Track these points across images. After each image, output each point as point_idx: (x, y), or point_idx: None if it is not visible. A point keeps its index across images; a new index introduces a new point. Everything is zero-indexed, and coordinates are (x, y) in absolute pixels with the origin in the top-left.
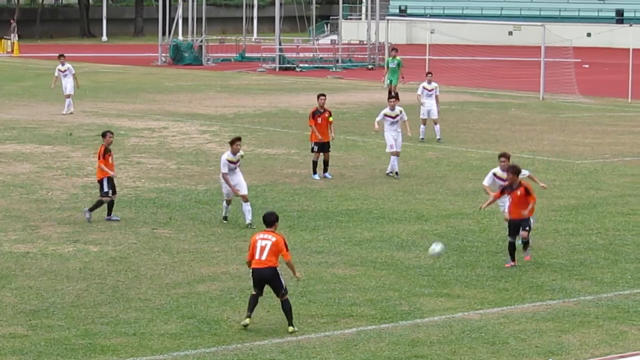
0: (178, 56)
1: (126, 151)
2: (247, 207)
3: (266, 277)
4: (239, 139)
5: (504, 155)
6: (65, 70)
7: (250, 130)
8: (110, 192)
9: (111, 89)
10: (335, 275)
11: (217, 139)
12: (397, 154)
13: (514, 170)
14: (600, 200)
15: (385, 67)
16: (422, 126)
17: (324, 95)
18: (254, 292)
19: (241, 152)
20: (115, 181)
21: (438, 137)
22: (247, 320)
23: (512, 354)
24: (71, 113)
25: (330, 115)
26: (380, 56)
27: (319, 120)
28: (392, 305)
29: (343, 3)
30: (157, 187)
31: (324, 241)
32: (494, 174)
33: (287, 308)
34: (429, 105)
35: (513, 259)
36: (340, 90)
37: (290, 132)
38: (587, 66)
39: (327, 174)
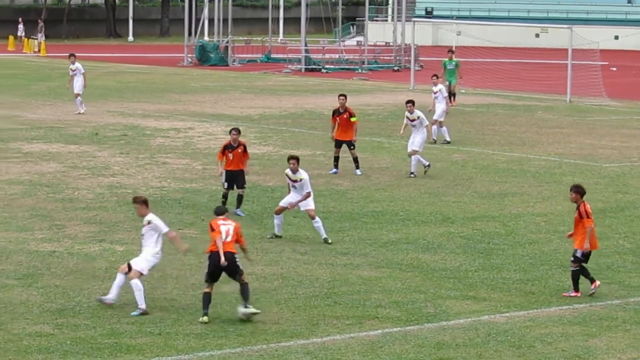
0: (204, 57)
1: (152, 151)
2: (316, 224)
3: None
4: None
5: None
6: (75, 70)
7: (276, 132)
8: (226, 184)
9: (137, 89)
10: (361, 277)
11: (243, 140)
12: (413, 153)
13: (577, 190)
14: (627, 204)
15: (443, 68)
16: (433, 127)
17: (344, 95)
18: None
19: (302, 174)
20: (141, 181)
21: (433, 137)
22: None
23: (538, 357)
24: (81, 113)
25: (351, 116)
26: (407, 58)
27: (338, 119)
28: (418, 307)
29: (369, 4)
30: (183, 187)
31: (349, 243)
32: None
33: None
34: (436, 108)
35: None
36: (365, 92)
37: (315, 133)
38: (614, 69)
39: (357, 171)
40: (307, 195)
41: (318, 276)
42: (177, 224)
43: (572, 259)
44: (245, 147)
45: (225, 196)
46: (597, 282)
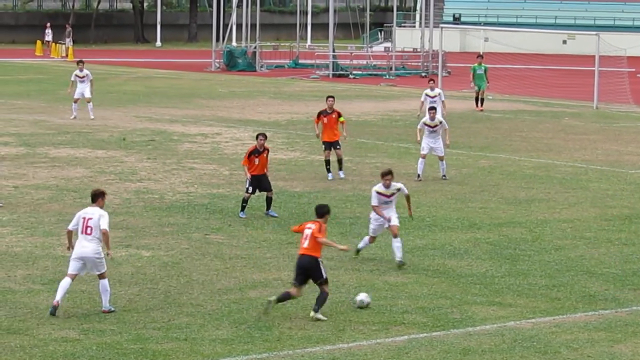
0: (232, 62)
1: (179, 157)
2: (397, 244)
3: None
4: (388, 172)
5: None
6: (83, 77)
7: (303, 137)
8: (251, 189)
9: (164, 95)
10: (387, 282)
11: (270, 145)
12: (441, 158)
13: None
14: None
15: (472, 73)
16: None
17: (332, 97)
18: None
19: (398, 185)
20: (168, 186)
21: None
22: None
23: None
24: (92, 119)
25: (339, 115)
26: (434, 64)
27: (325, 120)
28: (444, 313)
29: (397, 11)
30: (210, 192)
31: (376, 248)
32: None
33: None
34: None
35: None
36: (393, 98)
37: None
38: None
39: (340, 173)
40: (408, 199)
41: (344, 282)
42: (204, 229)
43: None
44: (268, 152)
45: (246, 200)
46: None
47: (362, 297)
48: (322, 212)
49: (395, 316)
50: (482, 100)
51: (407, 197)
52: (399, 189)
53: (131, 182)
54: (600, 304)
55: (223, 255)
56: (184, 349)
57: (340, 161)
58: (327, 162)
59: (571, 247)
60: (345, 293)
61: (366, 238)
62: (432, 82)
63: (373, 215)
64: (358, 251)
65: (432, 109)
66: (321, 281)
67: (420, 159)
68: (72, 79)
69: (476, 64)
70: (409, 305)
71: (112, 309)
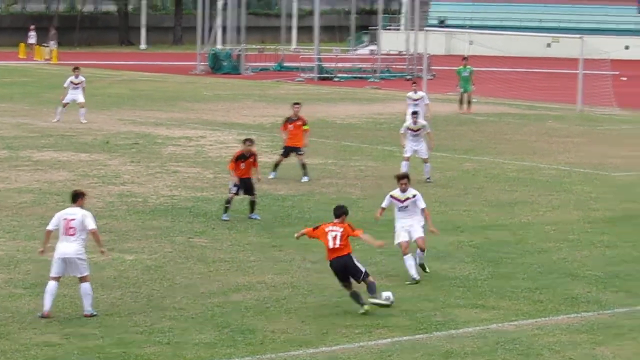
0: (217, 65)
1: (163, 160)
2: (409, 262)
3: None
4: None
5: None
6: (78, 84)
7: None
8: (235, 189)
9: (149, 98)
10: None
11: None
12: (425, 160)
13: None
14: (636, 213)
15: (457, 75)
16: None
17: (299, 104)
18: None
19: (413, 191)
20: (151, 189)
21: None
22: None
23: None
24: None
25: (304, 123)
26: (419, 67)
27: (291, 127)
28: (427, 316)
29: (383, 13)
30: (194, 196)
31: (360, 252)
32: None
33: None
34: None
35: None
36: (378, 101)
37: (327, 142)
38: (625, 79)
39: (304, 178)
40: (426, 215)
41: (328, 285)
42: (187, 232)
43: None
44: (255, 157)
45: (229, 202)
46: None
47: (389, 294)
48: (339, 213)
49: (378, 319)
50: (469, 102)
51: (423, 210)
52: (414, 195)
53: (114, 186)
54: (582, 307)
55: (206, 258)
56: (166, 353)
57: (304, 166)
58: (278, 164)
59: (554, 250)
60: (328, 297)
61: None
62: (415, 84)
63: (397, 225)
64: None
65: (415, 113)
66: (363, 277)
67: (404, 162)
68: (66, 85)
69: (461, 67)
70: (392, 308)
71: (94, 312)
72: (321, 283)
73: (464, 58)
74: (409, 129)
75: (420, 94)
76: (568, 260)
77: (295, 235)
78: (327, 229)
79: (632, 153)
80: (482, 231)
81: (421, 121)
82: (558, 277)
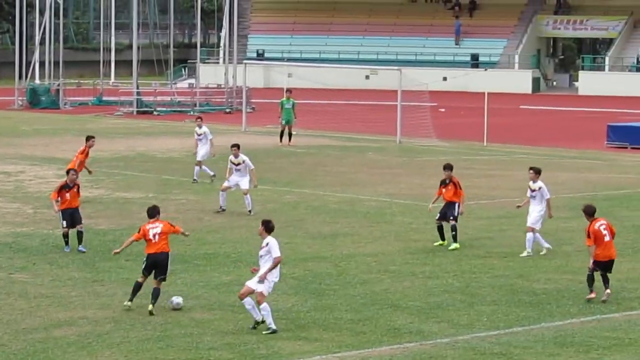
0: (35, 100)
1: None
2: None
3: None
4: None
5: None
6: (200, 135)
7: (108, 174)
8: (65, 222)
9: None
10: (193, 319)
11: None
12: (245, 192)
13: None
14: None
15: (280, 107)
16: (195, 167)
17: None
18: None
19: (243, 157)
20: None
21: (195, 177)
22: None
23: None
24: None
25: (78, 189)
26: (238, 100)
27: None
28: (250, 348)
29: (201, 47)
30: (14, 231)
31: (181, 285)
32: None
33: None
34: (200, 149)
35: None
36: None
37: (148, 175)
38: (443, 110)
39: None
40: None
41: (150, 319)
42: (8, 268)
43: None
44: (79, 187)
45: (66, 235)
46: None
47: (179, 299)
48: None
49: (201, 352)
50: (290, 135)
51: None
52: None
53: None
54: (405, 337)
55: (28, 294)
56: None
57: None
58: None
59: (376, 281)
60: (151, 330)
61: None
62: (199, 119)
63: None
64: None
65: (235, 145)
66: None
67: (221, 192)
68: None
69: (284, 98)
70: (215, 341)
71: None
72: (143, 317)
73: (288, 90)
74: (231, 162)
75: (204, 128)
76: (390, 291)
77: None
78: (147, 227)
79: None
80: (303, 263)
81: (242, 156)
82: (380, 308)
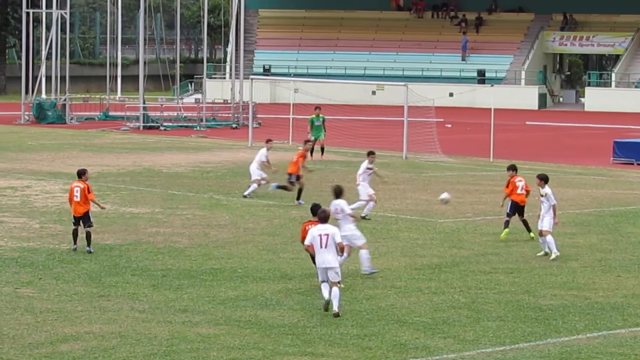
0: (41, 115)
1: None
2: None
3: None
4: None
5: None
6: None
7: (114, 189)
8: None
9: None
10: (200, 334)
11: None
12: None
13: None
14: (462, 259)
15: (310, 125)
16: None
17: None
18: None
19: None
20: None
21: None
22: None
23: None
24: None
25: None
26: (245, 115)
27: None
28: None
29: (207, 62)
30: (20, 246)
31: (188, 300)
32: None
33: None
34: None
35: None
36: (204, 149)
37: (154, 190)
38: (449, 126)
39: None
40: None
41: (156, 334)
42: (14, 283)
43: None
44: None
45: (75, 232)
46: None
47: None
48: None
49: None
50: (322, 149)
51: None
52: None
53: None
54: (411, 353)
55: (34, 309)
56: None
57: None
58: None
59: (382, 297)
60: (157, 345)
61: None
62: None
63: None
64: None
65: (371, 153)
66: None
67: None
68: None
69: (314, 115)
70: (221, 356)
71: None
72: (149, 332)
73: (317, 107)
74: (368, 168)
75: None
76: (396, 307)
77: None
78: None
79: (457, 199)
80: (309, 279)
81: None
82: (386, 323)
